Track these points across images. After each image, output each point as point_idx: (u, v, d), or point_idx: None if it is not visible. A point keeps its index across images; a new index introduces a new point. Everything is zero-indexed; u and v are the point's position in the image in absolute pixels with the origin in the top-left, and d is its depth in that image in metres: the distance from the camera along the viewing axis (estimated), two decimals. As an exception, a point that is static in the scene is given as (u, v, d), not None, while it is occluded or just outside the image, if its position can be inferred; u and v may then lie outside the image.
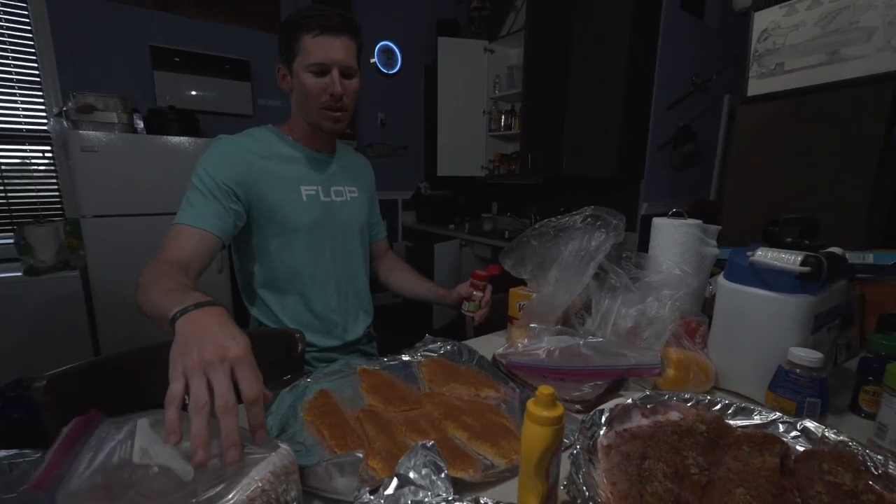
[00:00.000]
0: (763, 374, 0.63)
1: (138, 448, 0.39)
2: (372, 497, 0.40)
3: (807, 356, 0.58)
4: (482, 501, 0.41)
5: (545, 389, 0.41)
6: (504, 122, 3.49)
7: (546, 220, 0.81)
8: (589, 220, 0.78)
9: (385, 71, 3.72)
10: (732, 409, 0.61)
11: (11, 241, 2.24)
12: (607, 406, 0.57)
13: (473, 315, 0.97)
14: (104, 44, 2.49)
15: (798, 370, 0.59)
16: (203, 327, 0.47)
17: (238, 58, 2.90)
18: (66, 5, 2.36)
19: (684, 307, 0.79)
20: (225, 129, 0.97)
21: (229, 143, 0.88)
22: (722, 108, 3.00)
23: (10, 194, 2.39)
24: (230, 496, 0.37)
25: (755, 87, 1.04)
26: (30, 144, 2.41)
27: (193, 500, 0.35)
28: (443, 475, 0.44)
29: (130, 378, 0.76)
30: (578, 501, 0.43)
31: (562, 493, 0.47)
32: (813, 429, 0.54)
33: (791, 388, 0.59)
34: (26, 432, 1.85)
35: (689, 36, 2.65)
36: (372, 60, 3.63)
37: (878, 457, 0.49)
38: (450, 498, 0.41)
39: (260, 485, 0.39)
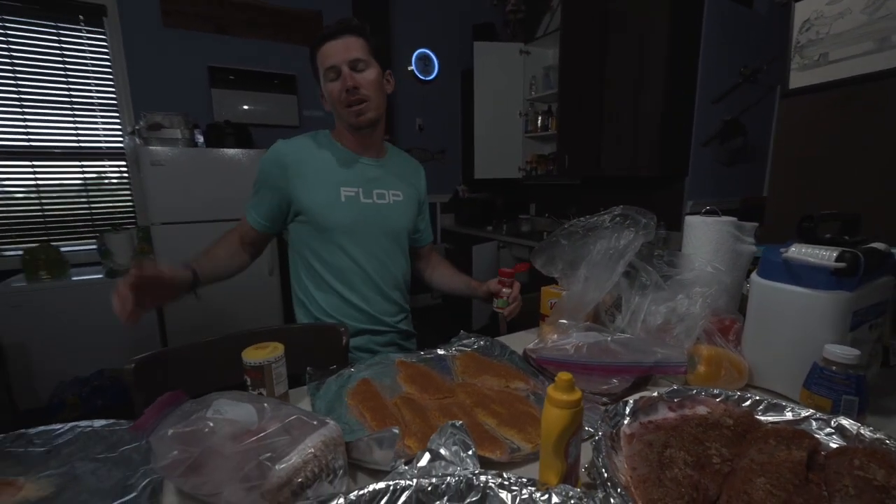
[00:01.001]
0: (798, 371, 0.63)
1: (212, 409, 0.46)
2: (406, 468, 0.45)
3: (843, 353, 0.57)
4: (505, 476, 0.45)
5: (564, 375, 0.45)
6: (541, 122, 3.48)
7: (575, 220, 0.83)
8: (618, 219, 0.80)
9: (422, 77, 3.81)
10: (763, 405, 0.61)
11: (94, 247, 2.51)
12: (632, 398, 0.59)
13: (503, 311, 1.01)
14: (169, 67, 2.74)
15: (834, 367, 0.58)
16: None
17: (285, 73, 3.09)
18: (137, 34, 2.62)
19: (718, 305, 0.79)
20: (274, 140, 1.06)
21: (277, 148, 1.00)
22: (775, 99, 2.84)
23: (92, 205, 2.68)
24: (288, 457, 0.43)
25: (797, 80, 1.00)
26: (108, 160, 2.69)
27: (259, 458, 0.42)
28: (470, 452, 0.48)
29: (197, 365, 0.85)
30: (598, 483, 0.46)
31: (583, 476, 0.50)
32: (848, 426, 0.54)
33: (826, 386, 0.58)
34: (109, 417, 2.06)
35: (735, 25, 2.53)
36: (409, 68, 3.73)
37: (916, 454, 0.48)
38: (476, 472, 0.45)
39: (312, 451, 0.45)
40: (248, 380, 0.63)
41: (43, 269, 2.30)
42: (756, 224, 0.84)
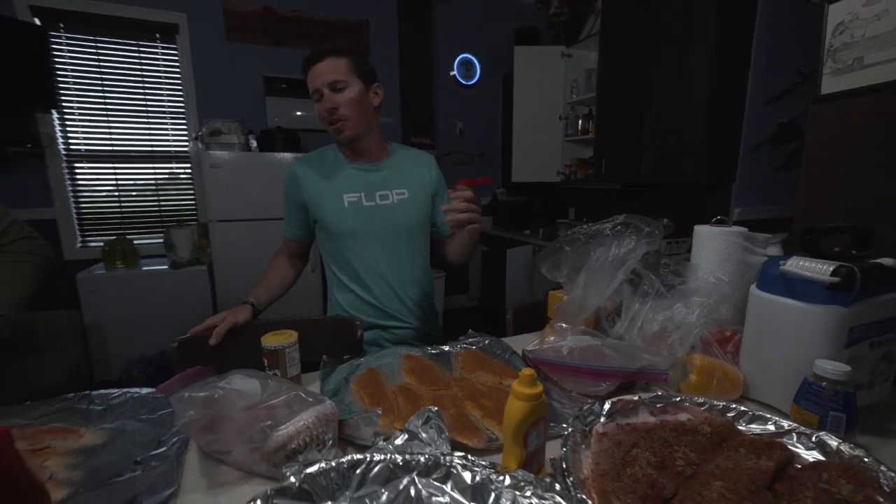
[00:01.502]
0: (793, 385, 0.62)
1: (225, 381, 0.55)
2: (385, 443, 0.51)
3: (832, 369, 0.56)
4: (469, 458, 0.49)
5: (527, 371, 0.49)
6: (581, 126, 3.43)
7: (578, 228, 0.86)
8: (619, 227, 0.82)
9: (464, 82, 3.88)
10: (748, 416, 0.61)
11: (161, 240, 2.80)
12: (610, 400, 0.61)
13: (451, 214, 0.88)
14: (230, 77, 2.99)
15: (824, 383, 0.57)
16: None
17: (333, 80, 3.27)
18: (204, 49, 2.89)
19: (723, 316, 0.79)
20: (320, 144, 1.19)
21: (292, 167, 1.12)
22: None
23: (161, 202, 2.99)
24: (285, 425, 0.50)
25: (829, 85, 0.95)
26: (175, 162, 2.98)
27: (261, 424, 0.50)
28: (444, 435, 0.53)
29: (231, 347, 0.96)
30: (557, 473, 0.50)
31: (548, 467, 0.54)
32: (829, 442, 0.54)
33: (814, 401, 0.58)
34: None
35: (793, 21, 2.38)
36: (451, 73, 3.81)
37: (893, 472, 0.47)
38: (446, 453, 0.50)
39: (305, 423, 0.52)
40: (266, 361, 0.71)
41: (119, 259, 2.60)
42: (769, 235, 0.83)
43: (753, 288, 0.69)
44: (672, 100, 2.47)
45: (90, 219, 2.84)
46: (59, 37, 2.58)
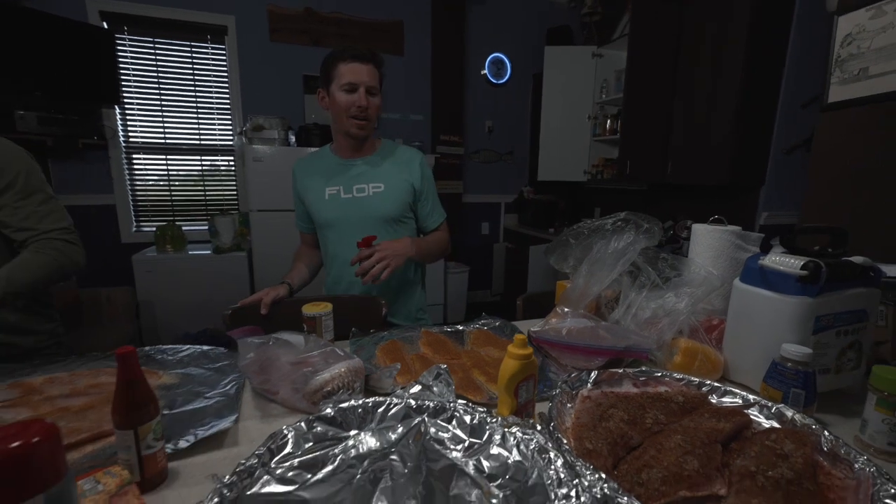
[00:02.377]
0: (765, 369, 0.69)
1: (276, 335, 0.68)
2: (402, 390, 0.63)
3: (796, 351, 0.64)
4: (471, 405, 0.60)
5: (520, 336, 0.59)
6: (610, 126, 3.45)
7: (582, 222, 0.94)
8: (619, 223, 0.90)
9: (494, 81, 3.95)
10: (720, 391, 0.69)
11: (206, 227, 3.02)
12: (597, 370, 0.70)
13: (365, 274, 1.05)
14: (272, 75, 3.18)
15: (788, 364, 0.65)
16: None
17: (367, 79, 3.42)
18: (250, 49, 3.09)
19: (712, 306, 0.86)
20: None
21: (293, 167, 1.29)
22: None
23: (207, 192, 3.22)
24: (323, 372, 0.63)
25: (836, 94, 0.99)
26: (221, 155, 3.21)
27: (305, 370, 0.62)
28: (451, 388, 0.64)
29: (274, 317, 1.11)
30: (541, 422, 0.59)
31: (537, 420, 0.64)
32: (786, 412, 0.61)
33: (779, 379, 0.65)
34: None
35: (828, 26, 2.34)
36: (483, 72, 3.89)
37: (833, 437, 0.55)
38: (452, 400, 0.61)
39: (338, 371, 0.64)
40: (305, 327, 0.84)
41: (169, 243, 2.84)
42: (762, 235, 0.89)
43: (737, 280, 0.77)
44: (701, 101, 2.48)
45: (144, 205, 3.10)
46: (123, 39, 2.83)
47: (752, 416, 0.62)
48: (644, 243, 0.89)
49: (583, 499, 0.43)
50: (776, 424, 0.61)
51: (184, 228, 2.95)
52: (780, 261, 0.69)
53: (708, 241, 0.89)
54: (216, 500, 0.42)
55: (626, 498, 0.43)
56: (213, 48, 3.04)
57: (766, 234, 0.94)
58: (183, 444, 0.56)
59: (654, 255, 0.94)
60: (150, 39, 2.90)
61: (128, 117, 2.94)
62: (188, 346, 0.87)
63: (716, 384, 0.70)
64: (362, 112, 1.14)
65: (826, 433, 0.55)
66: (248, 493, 0.46)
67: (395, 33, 3.49)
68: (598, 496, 0.43)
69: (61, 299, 2.31)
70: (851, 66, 0.97)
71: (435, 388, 0.65)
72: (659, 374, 0.72)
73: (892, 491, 0.45)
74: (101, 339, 2.37)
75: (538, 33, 3.90)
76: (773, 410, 0.62)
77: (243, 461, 0.49)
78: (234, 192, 3.29)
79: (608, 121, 3.47)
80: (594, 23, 3.62)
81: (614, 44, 3.38)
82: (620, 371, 0.71)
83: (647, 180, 2.99)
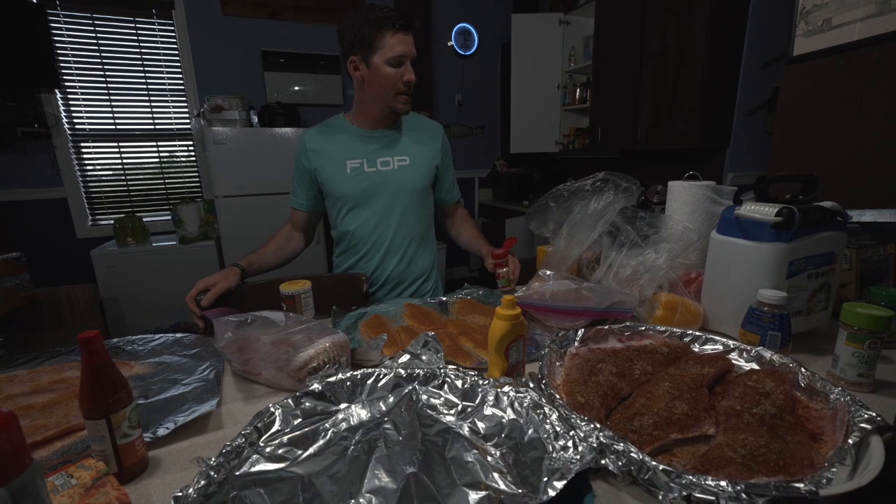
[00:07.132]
0: (742, 316, 0.71)
1: (252, 314, 0.65)
2: (390, 361, 0.61)
3: (771, 295, 0.65)
4: (461, 370, 0.59)
5: (508, 297, 0.58)
6: (579, 95, 3.44)
7: (560, 185, 0.94)
8: (598, 183, 0.90)
9: (462, 52, 3.86)
10: (701, 339, 0.71)
11: (169, 217, 2.88)
12: (583, 329, 0.71)
13: (509, 289, 1.04)
14: (228, 52, 3.00)
15: (765, 308, 0.67)
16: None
17: (330, 54, 3.28)
18: (200, 24, 2.89)
19: (689, 261, 0.88)
20: (320, 119, 1.20)
21: (303, 136, 1.16)
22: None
23: (167, 180, 3.06)
24: (307, 348, 0.60)
25: (801, 46, 1.01)
26: (178, 141, 3.04)
27: (287, 347, 0.59)
28: (440, 355, 0.63)
29: (251, 299, 1.07)
30: (533, 380, 0.60)
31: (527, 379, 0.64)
32: (764, 354, 0.63)
33: (756, 324, 0.67)
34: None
35: (789, -16, 2.37)
36: (449, 44, 3.79)
37: (809, 372, 0.57)
38: (442, 367, 0.60)
39: (323, 346, 0.62)
40: (284, 307, 0.81)
41: (129, 235, 2.69)
42: (734, 188, 0.90)
43: (713, 232, 0.78)
44: (668, 66, 2.49)
45: (99, 197, 2.92)
46: (57, 14, 2.60)
47: (733, 361, 0.64)
48: (623, 203, 0.90)
49: (580, 448, 0.43)
50: (756, 366, 0.63)
51: (145, 220, 2.81)
52: (755, 209, 0.70)
53: (684, 197, 0.91)
54: (203, 482, 0.40)
55: (621, 444, 0.43)
56: (159, 24, 2.83)
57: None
58: (162, 431, 0.54)
59: (632, 215, 0.94)
60: (88, 15, 2.67)
61: (70, 103, 2.73)
62: (159, 334, 0.83)
63: (697, 333, 0.71)
64: (409, 87, 1.06)
65: (803, 370, 0.58)
66: (237, 473, 0.44)
67: (355, 4, 3.33)
68: (595, 445, 0.43)
69: (14, 300, 2.16)
70: (815, 18, 0.98)
71: (424, 357, 0.64)
72: (643, 328, 0.74)
73: (866, 416, 0.47)
74: (64, 342, 2.25)
75: (504, 1, 3.81)
76: (752, 353, 0.65)
77: (229, 442, 0.47)
78: (197, 178, 3.13)
79: (577, 90, 3.47)
80: (559, -12, 3.56)
81: (581, 10, 3.34)
82: (605, 328, 0.72)
83: (618, 147, 3.01)
